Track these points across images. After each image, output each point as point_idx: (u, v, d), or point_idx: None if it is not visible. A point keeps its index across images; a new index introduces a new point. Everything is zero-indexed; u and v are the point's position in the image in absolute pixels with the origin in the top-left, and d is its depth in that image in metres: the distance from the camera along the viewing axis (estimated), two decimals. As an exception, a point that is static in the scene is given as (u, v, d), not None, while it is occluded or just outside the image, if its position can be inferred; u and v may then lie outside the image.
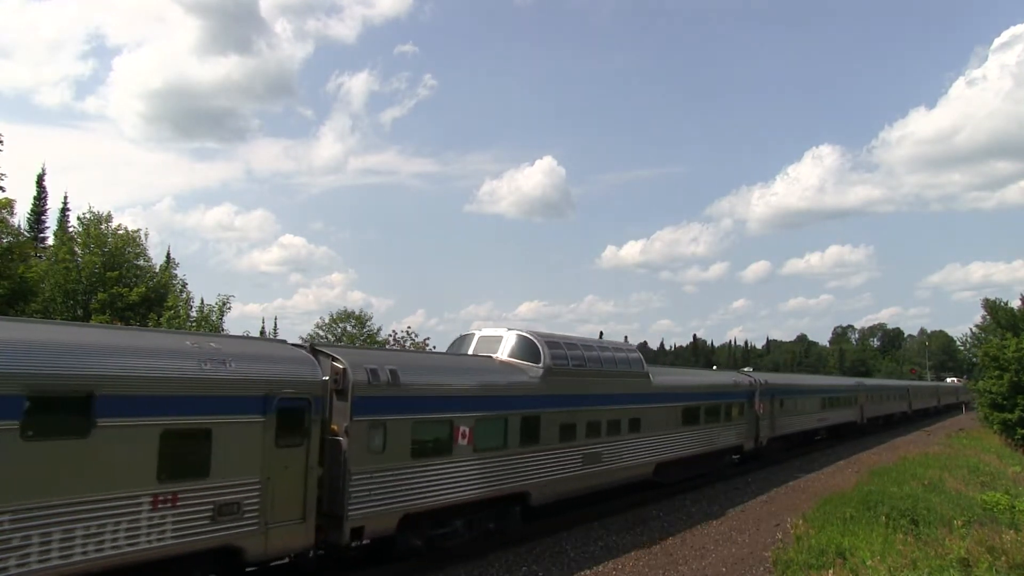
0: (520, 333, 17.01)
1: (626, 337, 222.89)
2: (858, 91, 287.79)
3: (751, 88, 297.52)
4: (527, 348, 16.71)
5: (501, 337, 17.01)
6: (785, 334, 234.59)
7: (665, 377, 22.69)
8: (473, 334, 17.74)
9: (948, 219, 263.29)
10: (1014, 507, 19.44)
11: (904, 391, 64.30)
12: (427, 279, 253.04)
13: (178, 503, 9.24)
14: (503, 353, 16.61)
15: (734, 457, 28.80)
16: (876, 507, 18.07)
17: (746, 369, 37.94)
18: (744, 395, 28.19)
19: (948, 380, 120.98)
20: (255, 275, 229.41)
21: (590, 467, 17.78)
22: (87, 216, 39.49)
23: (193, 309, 37.82)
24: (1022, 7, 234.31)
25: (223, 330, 36.08)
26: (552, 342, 17.27)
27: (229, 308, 37.53)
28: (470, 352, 17.10)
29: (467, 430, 13.84)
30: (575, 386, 17.34)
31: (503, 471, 14.81)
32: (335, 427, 11.72)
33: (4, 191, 26.00)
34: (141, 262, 40.16)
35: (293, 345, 12.59)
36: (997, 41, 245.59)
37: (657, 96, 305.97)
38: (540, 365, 16.38)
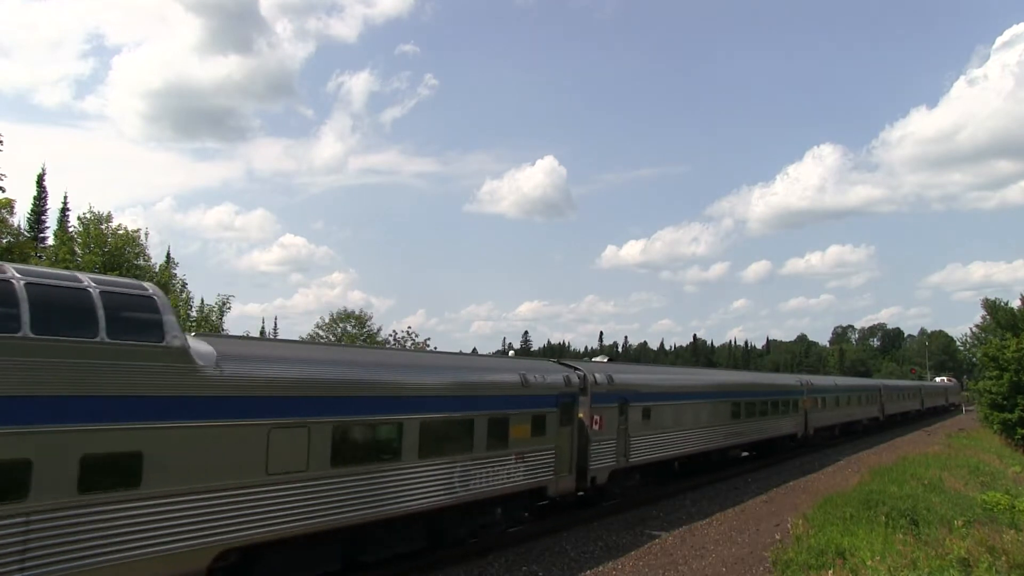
0: None
1: (626, 337, 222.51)
2: (859, 90, 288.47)
3: (752, 88, 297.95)
4: None
5: None
6: (785, 334, 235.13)
7: (268, 367, 10.80)
8: None
9: (949, 219, 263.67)
10: (1014, 507, 19.43)
11: (874, 392, 52.57)
12: (427, 279, 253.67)
13: None
14: None
15: (525, 513, 17.25)
16: (876, 507, 18.06)
17: (598, 358, 25.34)
18: (552, 401, 16.97)
19: (937, 379, 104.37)
20: (255, 275, 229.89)
21: None
22: (87, 216, 39.45)
23: (193, 309, 37.86)
24: None
25: (223, 330, 36.10)
26: None
27: (229, 308, 37.63)
28: None
29: None
30: None
31: None
32: None
33: (4, 191, 25.95)
34: (141, 262, 40.10)
35: None
36: (999, 40, 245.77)
37: (658, 96, 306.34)
38: None
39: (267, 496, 10.36)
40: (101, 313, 8.83)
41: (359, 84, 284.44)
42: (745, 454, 32.53)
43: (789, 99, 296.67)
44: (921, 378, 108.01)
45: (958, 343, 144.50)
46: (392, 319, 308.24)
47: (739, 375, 38.22)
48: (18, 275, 8.34)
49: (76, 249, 38.90)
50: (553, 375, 17.65)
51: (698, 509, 20.89)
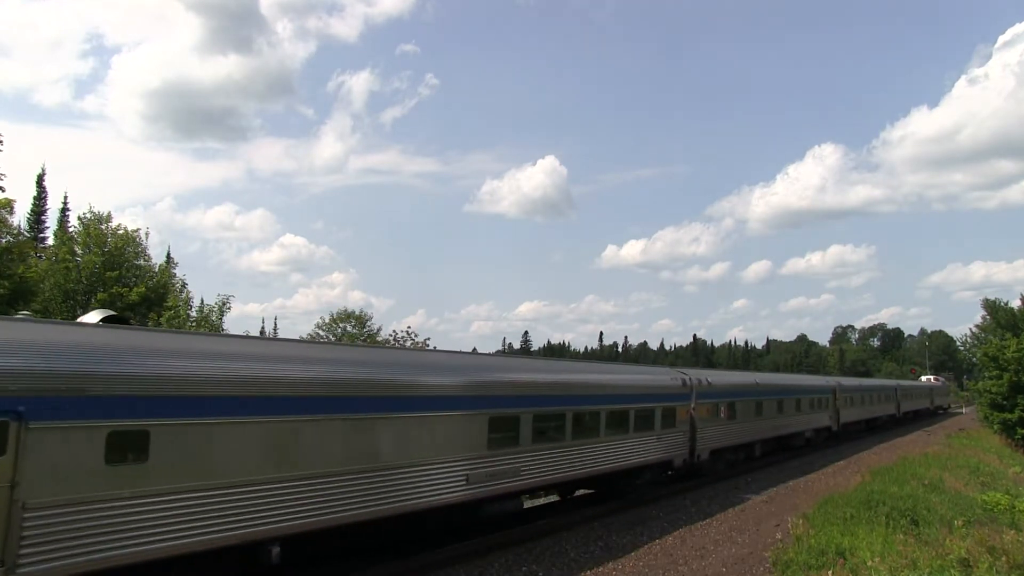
0: None
1: (626, 337, 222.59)
2: (860, 90, 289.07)
3: (752, 87, 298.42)
4: None
5: None
6: (785, 334, 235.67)
7: None
8: None
9: (949, 219, 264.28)
10: (1014, 507, 19.46)
11: (825, 395, 38.46)
12: (427, 279, 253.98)
13: None
14: None
15: None
16: (876, 507, 18.07)
17: (92, 314, 11.04)
18: None
19: (923, 378, 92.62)
20: (255, 275, 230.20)
21: None
22: (87, 216, 39.59)
23: (193, 309, 37.90)
24: None
25: (223, 330, 36.10)
26: None
27: (229, 308, 37.65)
28: None
29: None
30: None
31: None
32: None
33: (4, 191, 26.01)
34: (141, 262, 40.22)
35: None
36: (1001, 39, 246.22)
37: (659, 96, 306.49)
38: None
39: None
40: None
41: (360, 84, 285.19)
42: (587, 491, 20.94)
43: (789, 99, 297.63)
44: (920, 377, 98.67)
45: (958, 343, 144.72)
46: (392, 319, 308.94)
47: (538, 366, 20.01)
48: None
49: (76, 249, 38.99)
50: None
51: (698, 509, 20.87)
